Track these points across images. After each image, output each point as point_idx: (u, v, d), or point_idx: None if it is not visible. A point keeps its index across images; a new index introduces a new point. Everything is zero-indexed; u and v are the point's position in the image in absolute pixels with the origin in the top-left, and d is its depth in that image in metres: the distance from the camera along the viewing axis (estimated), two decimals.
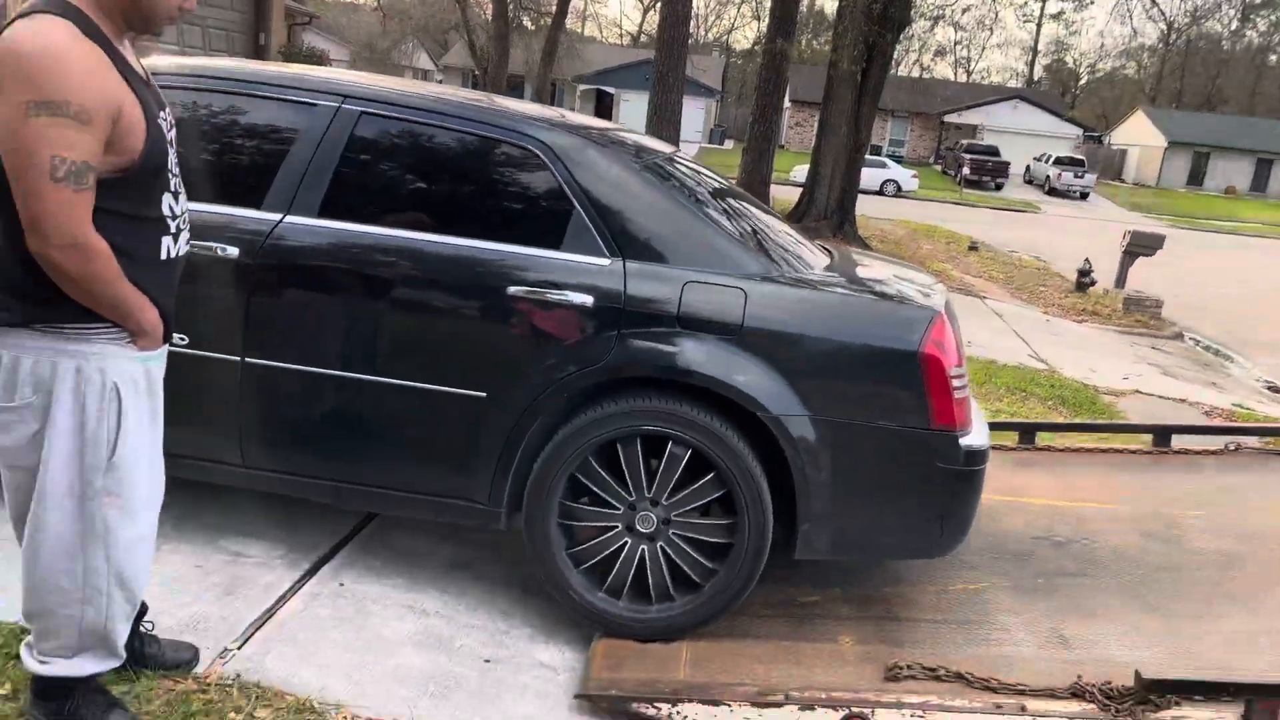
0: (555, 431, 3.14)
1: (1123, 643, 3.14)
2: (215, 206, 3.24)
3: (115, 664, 2.45)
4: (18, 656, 2.64)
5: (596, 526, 3.19)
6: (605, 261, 3.15)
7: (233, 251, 3.18)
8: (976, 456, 3.10)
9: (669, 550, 3.16)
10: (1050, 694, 2.82)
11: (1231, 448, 4.81)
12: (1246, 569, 3.64)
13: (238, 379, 3.22)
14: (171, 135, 2.31)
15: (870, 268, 3.89)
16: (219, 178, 3.33)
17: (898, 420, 3.05)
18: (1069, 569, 3.65)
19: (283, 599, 3.25)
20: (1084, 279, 15.24)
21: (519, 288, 3.12)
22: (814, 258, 3.62)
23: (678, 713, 2.86)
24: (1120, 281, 14.44)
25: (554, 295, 3.11)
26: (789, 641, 3.19)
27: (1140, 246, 14.39)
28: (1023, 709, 2.76)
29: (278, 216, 3.23)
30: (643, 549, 3.17)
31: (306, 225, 3.23)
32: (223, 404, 3.25)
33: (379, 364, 3.18)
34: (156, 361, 2.39)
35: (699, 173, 3.79)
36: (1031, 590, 3.49)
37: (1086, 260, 15.48)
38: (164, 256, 2.32)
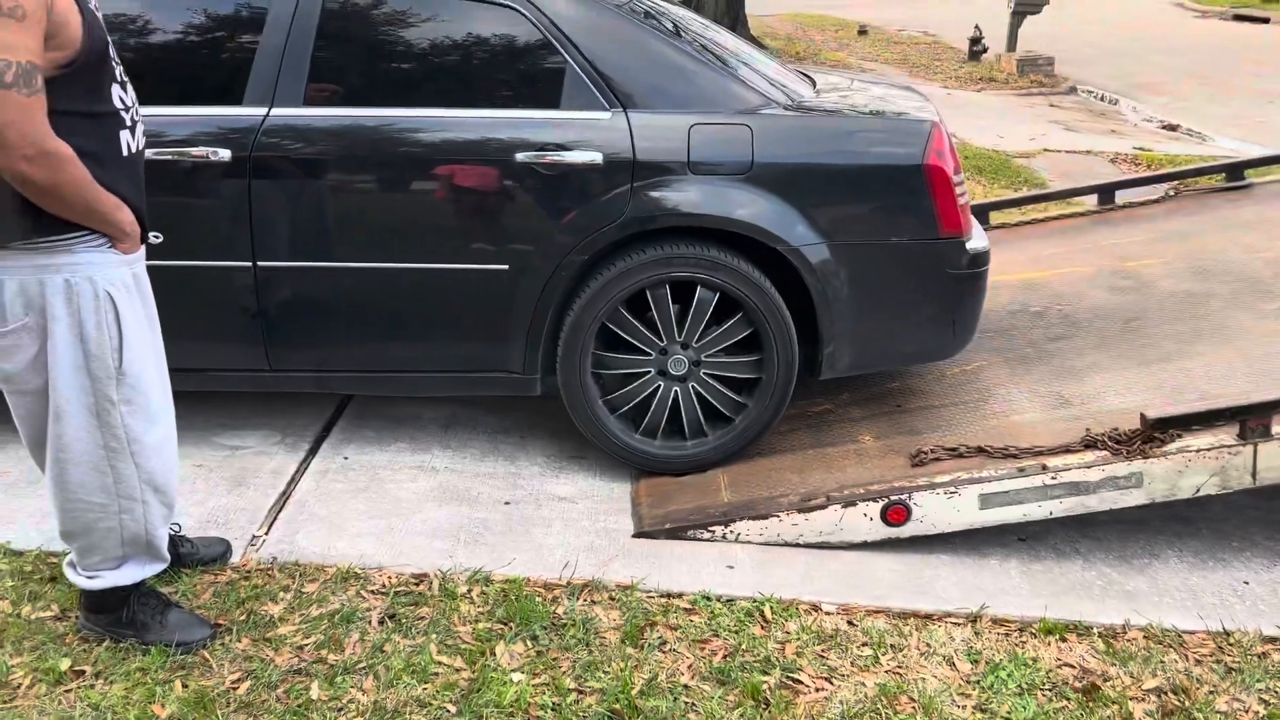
0: (581, 292, 3.09)
1: (1117, 393, 3.26)
2: (194, 109, 3.04)
3: (161, 567, 2.41)
4: (53, 579, 2.58)
5: (629, 374, 3.19)
6: (606, 115, 3.05)
7: (224, 154, 2.98)
8: (980, 258, 3.19)
9: (700, 390, 3.19)
10: (1065, 450, 2.94)
11: (1171, 193, 4.94)
12: (1210, 305, 3.80)
13: (254, 284, 3.09)
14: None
15: (855, 87, 3.86)
16: (191, 77, 3.12)
17: (909, 233, 3.10)
18: (1052, 335, 3.75)
19: (293, 481, 3.18)
20: (975, 47, 15.20)
21: (526, 154, 3.01)
22: (800, 84, 3.55)
23: (730, 532, 2.93)
24: (1011, 44, 14.41)
25: (562, 157, 3.01)
26: (814, 449, 3.25)
27: (1026, 5, 14.29)
28: (1044, 468, 2.87)
29: (263, 111, 3.03)
30: (675, 390, 3.18)
31: (296, 116, 3.04)
32: (242, 311, 3.12)
33: (397, 250, 3.08)
34: (140, 264, 2.29)
35: (659, 4, 3.60)
36: (1023, 360, 3.58)
37: (976, 27, 15.41)
38: (125, 152, 2.19)
